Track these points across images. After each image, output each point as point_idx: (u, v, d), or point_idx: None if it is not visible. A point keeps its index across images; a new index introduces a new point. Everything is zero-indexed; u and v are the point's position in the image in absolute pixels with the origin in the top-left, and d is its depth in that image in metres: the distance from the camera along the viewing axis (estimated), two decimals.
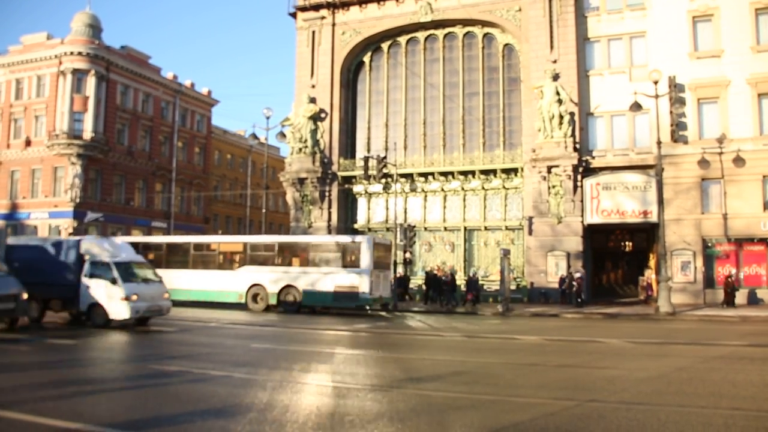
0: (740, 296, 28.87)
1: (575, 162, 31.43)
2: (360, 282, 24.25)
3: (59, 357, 12.45)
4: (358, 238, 25.92)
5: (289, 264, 26.47)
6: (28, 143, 47.97)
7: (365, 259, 24.55)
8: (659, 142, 26.14)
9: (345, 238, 27.14)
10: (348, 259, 25.21)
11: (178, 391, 8.96)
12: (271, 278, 25.80)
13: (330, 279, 24.88)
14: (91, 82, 47.04)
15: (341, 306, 25.56)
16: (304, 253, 26.62)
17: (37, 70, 48.31)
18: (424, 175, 36.11)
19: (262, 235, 34.48)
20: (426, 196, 36.76)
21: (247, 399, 8.12)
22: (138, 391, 9.03)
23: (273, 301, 25.61)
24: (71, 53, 46.73)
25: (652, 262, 33.35)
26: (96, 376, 10.46)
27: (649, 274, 32.34)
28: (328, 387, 9.23)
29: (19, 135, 48.80)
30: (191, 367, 10.80)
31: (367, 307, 26.12)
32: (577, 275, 29.27)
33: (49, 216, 46.30)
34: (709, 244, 30.31)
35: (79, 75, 46.95)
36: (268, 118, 31.82)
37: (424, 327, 19.96)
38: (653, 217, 29.88)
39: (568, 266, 31.31)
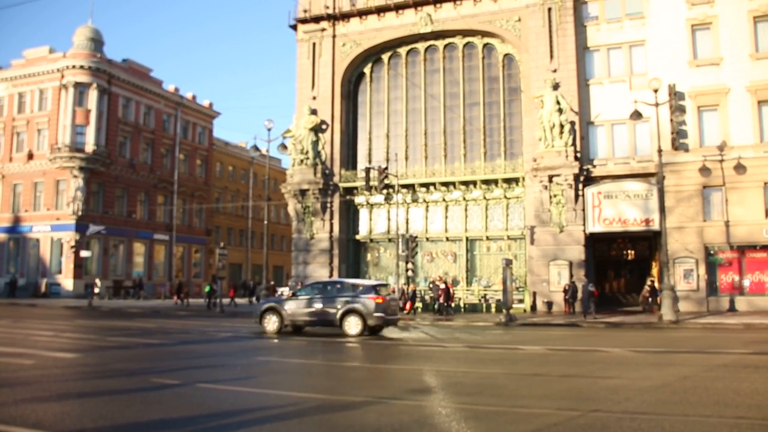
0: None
1: (576, 171, 31.45)
2: None
3: None
4: None
5: None
6: (30, 156, 48.19)
7: None
8: (660, 150, 26.18)
9: None
10: None
11: None
12: None
13: None
14: (92, 96, 47.28)
15: None
16: None
17: (40, 83, 48.61)
18: (426, 185, 36.14)
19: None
20: (427, 206, 36.77)
21: None
22: None
23: None
24: (73, 67, 47.01)
25: (654, 271, 33.29)
26: None
27: (652, 283, 32.27)
28: (324, 399, 9.21)
29: (21, 148, 49.04)
30: None
31: None
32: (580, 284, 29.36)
33: (51, 229, 46.44)
34: (712, 252, 30.28)
35: (81, 88, 47.21)
36: (269, 129, 31.90)
37: (425, 338, 19.92)
38: (655, 225, 29.87)
39: (571, 275, 31.27)
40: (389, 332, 21.57)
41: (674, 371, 12.10)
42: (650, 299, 30.99)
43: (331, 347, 17.32)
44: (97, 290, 41.56)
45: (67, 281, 45.32)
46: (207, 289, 36.66)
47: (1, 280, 47.67)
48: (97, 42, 49.22)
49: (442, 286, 31.80)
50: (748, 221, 29.29)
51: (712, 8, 30.96)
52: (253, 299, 41.33)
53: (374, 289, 19.89)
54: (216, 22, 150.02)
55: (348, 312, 19.55)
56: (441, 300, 30.69)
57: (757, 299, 29.27)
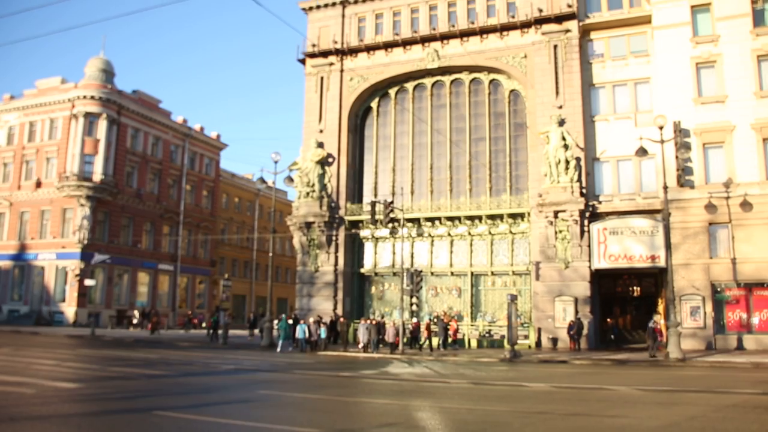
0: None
1: (582, 207, 31.43)
2: None
3: None
4: None
5: None
6: (38, 185, 48.54)
7: None
8: (666, 187, 26.17)
9: None
10: None
11: None
12: None
13: None
14: (102, 126, 47.79)
15: None
16: None
17: (50, 113, 49.23)
18: (431, 219, 36.13)
19: None
20: (433, 240, 36.70)
21: None
22: None
23: None
24: (84, 97, 47.63)
25: (661, 308, 33.02)
26: None
27: (658, 320, 31.97)
28: None
29: (30, 176, 49.44)
30: None
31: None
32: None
33: (56, 257, 46.52)
34: (719, 289, 30.02)
35: (91, 118, 47.76)
36: (276, 162, 32.09)
37: (430, 373, 19.73)
38: (661, 262, 29.72)
39: (576, 312, 31.04)
40: (394, 368, 21.36)
41: (682, 411, 11.92)
42: (658, 336, 30.63)
43: (329, 380, 17.15)
44: (135, 321, 41.45)
45: (70, 309, 45.23)
46: (214, 319, 36.62)
47: (5, 307, 47.65)
48: (108, 73, 49.95)
49: (415, 320, 31.69)
50: (755, 259, 29.11)
51: (717, 47, 31.24)
52: (255, 331, 41.02)
53: None
54: (226, 52, 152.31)
55: None
56: (413, 335, 30.38)
57: (765, 338, 28.89)
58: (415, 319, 31.95)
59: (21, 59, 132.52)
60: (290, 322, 31.44)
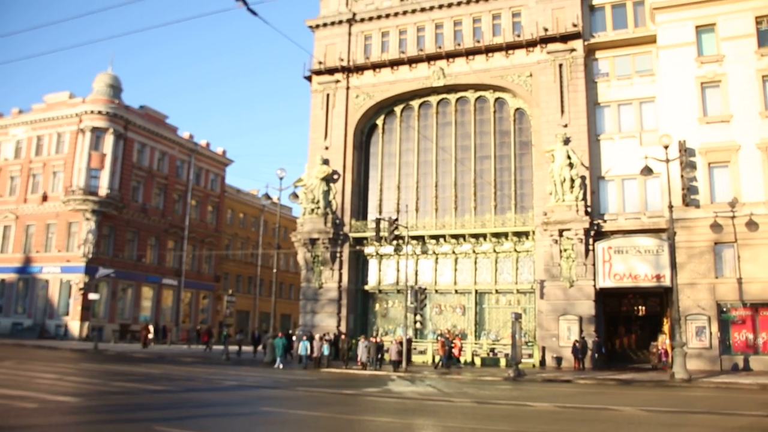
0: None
1: (587, 225, 31.37)
2: None
3: None
4: None
5: None
6: (44, 198, 48.75)
7: None
8: (671, 206, 26.11)
9: None
10: None
11: None
12: None
13: None
14: (109, 140, 48.08)
15: None
16: None
17: (58, 127, 49.57)
18: (436, 237, 36.08)
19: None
20: (437, 258, 36.62)
21: None
22: None
23: None
24: (91, 112, 47.99)
25: (666, 327, 32.82)
26: None
27: (663, 339, 31.76)
28: None
29: (36, 190, 49.68)
30: None
31: None
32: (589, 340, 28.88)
33: (61, 271, 46.58)
34: (725, 309, 29.82)
35: (97, 133, 48.09)
36: (281, 178, 32.16)
37: (433, 392, 19.61)
38: (666, 281, 29.58)
39: (581, 331, 30.88)
40: (397, 386, 21.24)
41: None
42: (663, 356, 30.44)
43: (332, 398, 17.06)
44: (150, 336, 41.54)
45: (73, 323, 45.21)
46: (224, 335, 36.88)
47: (9, 320, 47.67)
48: (115, 88, 50.33)
49: (403, 336, 31.26)
50: (761, 278, 28.93)
51: (722, 67, 31.31)
52: (259, 348, 40.89)
53: None
54: (232, 63, 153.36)
55: None
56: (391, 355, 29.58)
57: None
58: (402, 337, 31.67)
59: (29, 73, 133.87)
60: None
